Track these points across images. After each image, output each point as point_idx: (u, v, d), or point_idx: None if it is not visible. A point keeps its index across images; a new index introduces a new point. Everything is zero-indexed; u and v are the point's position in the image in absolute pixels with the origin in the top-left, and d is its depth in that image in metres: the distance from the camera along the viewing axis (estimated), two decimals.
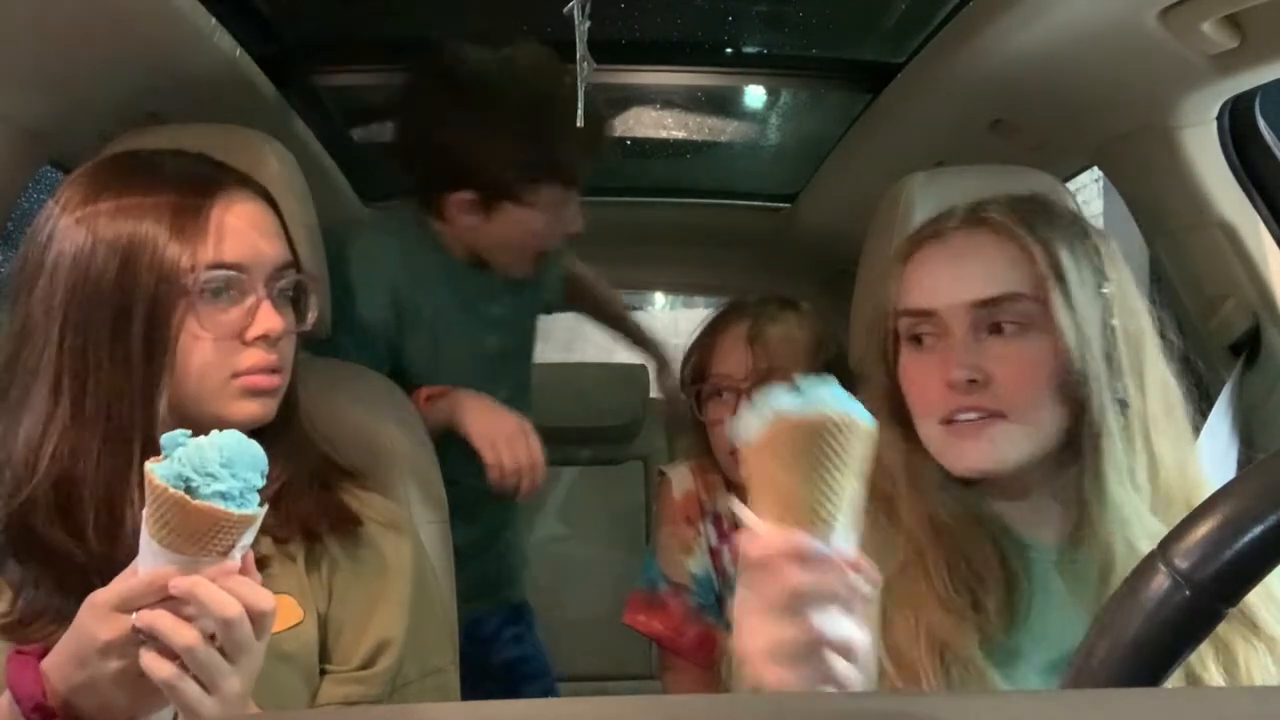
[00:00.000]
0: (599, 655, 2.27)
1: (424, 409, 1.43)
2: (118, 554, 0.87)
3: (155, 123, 1.34)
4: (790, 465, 0.65)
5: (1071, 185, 1.50)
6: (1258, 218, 1.38)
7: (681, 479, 1.62)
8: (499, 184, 1.46)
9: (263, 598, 0.79)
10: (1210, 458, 1.21)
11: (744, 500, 0.72)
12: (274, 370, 1.00)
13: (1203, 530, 0.58)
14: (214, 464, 0.75)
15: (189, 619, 0.77)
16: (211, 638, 0.77)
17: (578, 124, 0.88)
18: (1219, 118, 1.34)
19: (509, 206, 1.48)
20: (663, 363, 2.11)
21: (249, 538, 0.78)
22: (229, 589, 0.77)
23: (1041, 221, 1.01)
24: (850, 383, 1.27)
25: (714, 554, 1.58)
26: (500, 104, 1.42)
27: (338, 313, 1.47)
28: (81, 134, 1.33)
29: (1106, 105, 1.37)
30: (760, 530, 0.66)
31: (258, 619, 0.78)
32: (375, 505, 1.09)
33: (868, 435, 0.67)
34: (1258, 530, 0.57)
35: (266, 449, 0.79)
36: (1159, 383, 1.00)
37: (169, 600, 0.77)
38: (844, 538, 0.67)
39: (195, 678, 0.77)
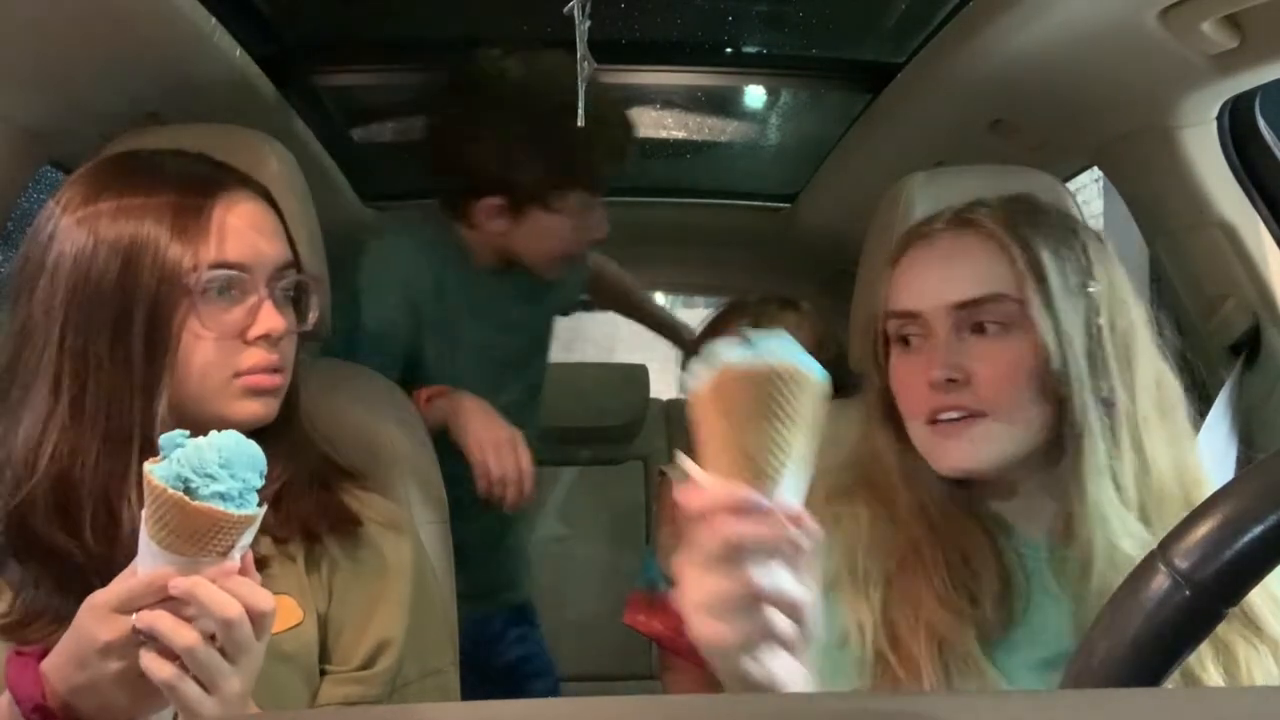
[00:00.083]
0: (599, 655, 2.26)
1: (424, 409, 1.44)
2: (117, 554, 0.87)
3: (155, 123, 1.34)
4: (733, 416, 0.64)
5: (1071, 185, 1.50)
6: (1258, 218, 1.38)
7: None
8: (528, 190, 1.48)
9: (262, 598, 0.79)
10: (1209, 458, 1.21)
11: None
12: (276, 370, 1.00)
13: (1203, 530, 0.58)
14: (213, 465, 0.75)
15: (189, 620, 0.77)
16: (211, 638, 0.77)
17: (579, 124, 0.89)
18: (1219, 118, 1.34)
19: (537, 212, 1.50)
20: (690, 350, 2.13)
21: (248, 538, 0.78)
22: (229, 589, 0.77)
23: (1025, 221, 1.01)
24: (851, 383, 1.28)
25: None
26: (529, 111, 1.44)
27: (353, 316, 1.48)
28: (81, 134, 1.33)
29: (1106, 105, 1.37)
30: (701, 482, 0.65)
31: (258, 619, 0.78)
32: (375, 506, 1.09)
33: (816, 388, 0.65)
34: (1258, 530, 0.57)
35: (266, 449, 0.79)
36: (1151, 382, 1.01)
37: (169, 601, 0.77)
38: (788, 491, 0.65)
39: (195, 678, 0.77)
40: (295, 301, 1.05)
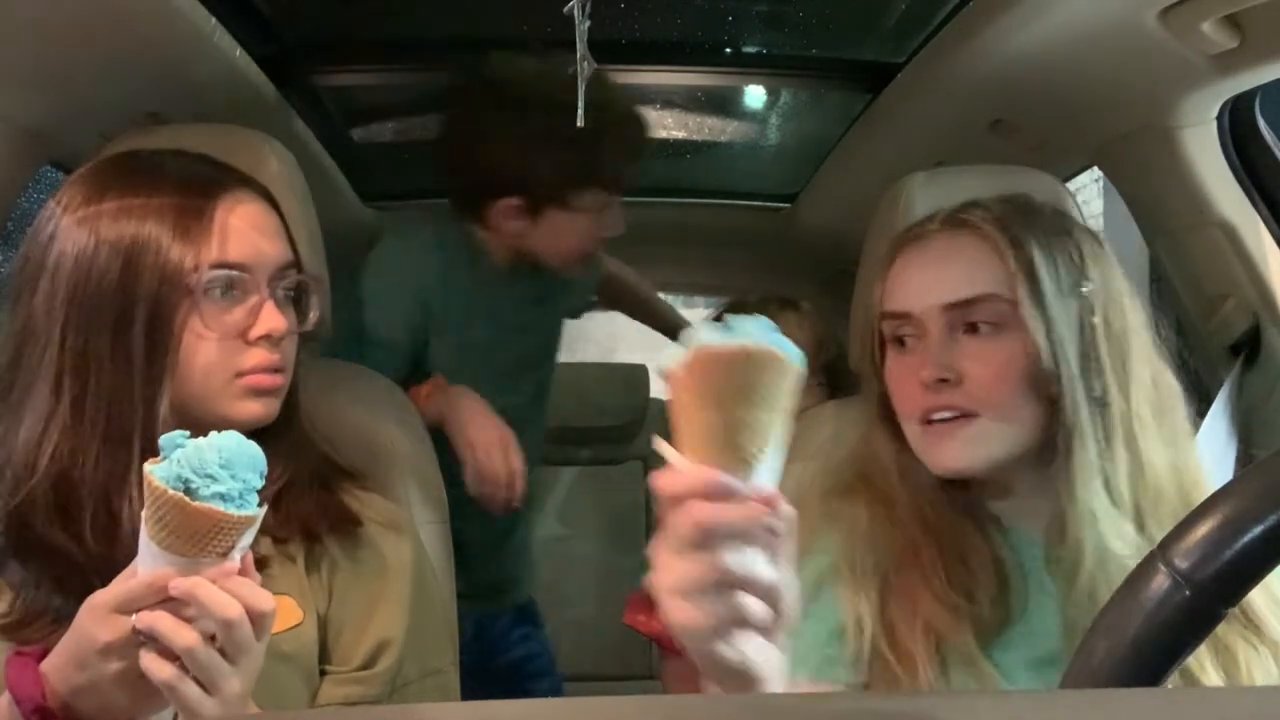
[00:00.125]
0: (599, 655, 2.27)
1: (422, 405, 1.44)
2: (117, 554, 0.87)
3: (155, 123, 1.34)
4: (708, 398, 0.63)
5: (1071, 185, 1.50)
6: (1258, 218, 1.38)
7: None
8: (548, 190, 1.49)
9: (263, 599, 0.79)
10: (1209, 457, 1.21)
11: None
12: (277, 370, 1.00)
13: (1203, 530, 0.58)
14: (213, 465, 0.75)
15: (189, 620, 0.77)
16: (212, 639, 0.77)
17: (580, 123, 0.89)
18: (1219, 118, 1.34)
19: (555, 211, 1.51)
20: None
21: (248, 539, 0.78)
22: (229, 590, 0.77)
23: (1018, 221, 1.02)
24: (852, 383, 1.28)
25: None
26: (549, 113, 1.44)
27: (361, 314, 1.48)
28: (81, 134, 1.33)
29: (1106, 105, 1.37)
30: (675, 464, 0.65)
31: (258, 620, 0.78)
32: (375, 506, 1.09)
33: (791, 371, 0.64)
34: (1258, 530, 0.57)
35: (267, 449, 0.79)
36: (1147, 382, 1.01)
37: (169, 601, 0.77)
38: (762, 474, 0.64)
39: (195, 679, 0.77)
40: (296, 302, 1.05)
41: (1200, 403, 1.30)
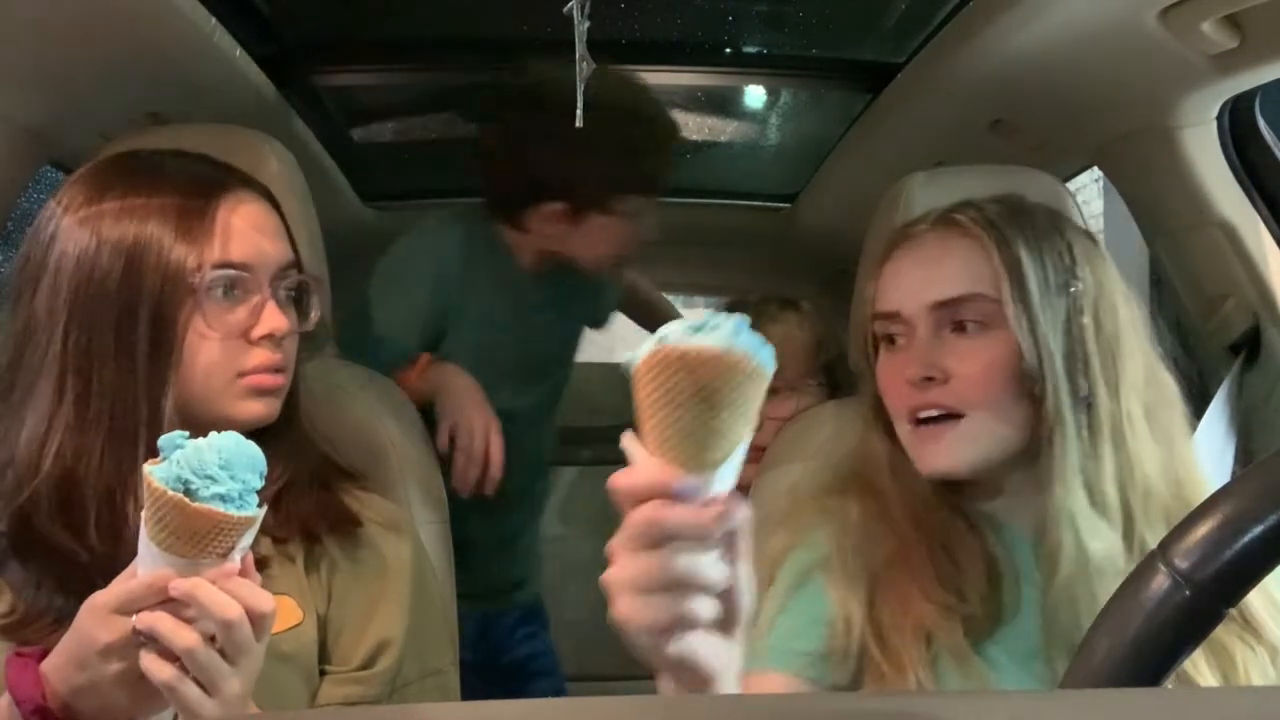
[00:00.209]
0: (598, 655, 2.25)
1: (417, 379, 1.47)
2: (121, 554, 0.87)
3: (156, 123, 1.34)
4: (667, 397, 0.62)
5: (1071, 185, 1.49)
6: (1258, 218, 1.38)
7: None
8: (593, 196, 1.52)
9: (262, 599, 0.79)
10: (1206, 457, 1.21)
11: None
12: (278, 370, 1.00)
13: (1203, 530, 0.58)
14: (212, 466, 0.75)
15: (189, 621, 0.77)
16: (211, 639, 0.77)
17: (577, 124, 0.89)
18: (1219, 118, 1.34)
19: (597, 216, 1.53)
20: None
21: (248, 539, 0.78)
22: (229, 591, 0.77)
23: (1007, 221, 1.02)
24: (852, 383, 1.28)
25: None
26: (594, 121, 1.46)
27: (376, 303, 1.51)
28: (82, 134, 1.33)
29: (1106, 105, 1.37)
30: (636, 461, 0.65)
31: (258, 620, 0.78)
32: (375, 506, 1.09)
33: (755, 374, 0.63)
34: (1258, 530, 0.57)
35: (267, 449, 0.79)
36: (1138, 382, 1.01)
37: (169, 602, 0.77)
38: (720, 475, 0.64)
39: (195, 679, 0.77)
40: (296, 302, 1.05)
41: (1200, 403, 1.30)
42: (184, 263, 0.95)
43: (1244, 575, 0.58)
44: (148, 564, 0.77)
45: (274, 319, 0.99)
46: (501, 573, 1.77)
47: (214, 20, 1.27)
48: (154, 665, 0.77)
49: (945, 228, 1.04)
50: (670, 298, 2.52)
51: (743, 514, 0.64)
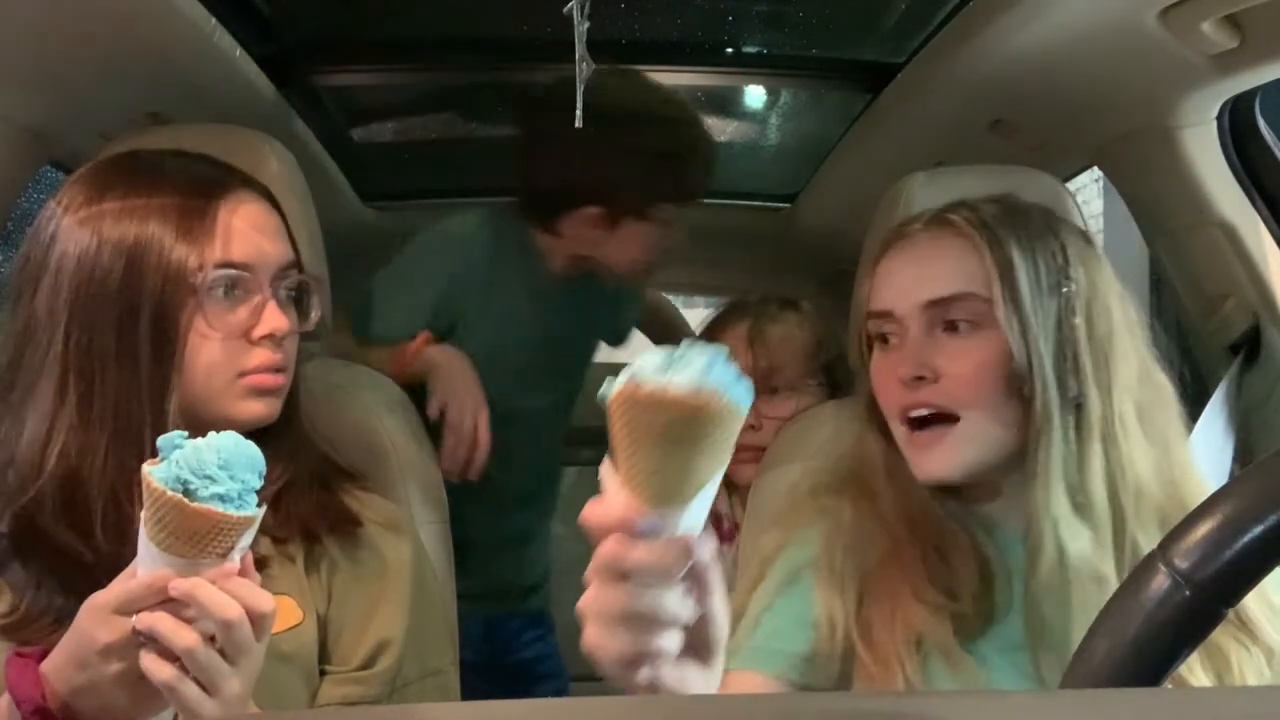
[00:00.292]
0: None
1: (412, 356, 1.47)
2: (125, 554, 0.86)
3: (156, 123, 1.34)
4: (636, 434, 0.62)
5: (1071, 185, 1.50)
6: (1258, 218, 1.38)
7: None
8: (634, 202, 1.53)
9: (262, 599, 0.79)
10: (1204, 457, 1.21)
11: None
12: (279, 370, 1.00)
13: (1203, 530, 0.58)
14: (211, 466, 0.75)
15: (189, 621, 0.77)
16: (211, 639, 0.77)
17: (579, 125, 0.89)
18: (1219, 118, 1.34)
19: (633, 222, 1.54)
20: None
21: (248, 539, 0.78)
22: (228, 591, 0.77)
23: (1000, 220, 1.02)
24: (852, 383, 1.27)
25: None
26: (636, 129, 1.49)
27: (390, 285, 1.54)
28: (82, 134, 1.33)
29: (1106, 105, 1.37)
30: (607, 494, 0.65)
31: (257, 620, 0.78)
32: (375, 506, 1.09)
33: (726, 415, 0.62)
34: (1258, 530, 0.57)
35: (266, 449, 0.79)
36: (1132, 383, 1.00)
37: (169, 602, 0.77)
38: (688, 513, 0.64)
39: (195, 679, 0.77)
40: (297, 302, 1.05)
41: (1200, 403, 1.30)
42: (185, 263, 0.95)
43: (1244, 575, 0.58)
44: (147, 564, 0.77)
45: (275, 319, 0.99)
46: (509, 575, 1.78)
47: (214, 20, 1.27)
48: (154, 665, 0.77)
49: (938, 227, 1.04)
50: (670, 298, 2.51)
51: (709, 550, 0.64)
